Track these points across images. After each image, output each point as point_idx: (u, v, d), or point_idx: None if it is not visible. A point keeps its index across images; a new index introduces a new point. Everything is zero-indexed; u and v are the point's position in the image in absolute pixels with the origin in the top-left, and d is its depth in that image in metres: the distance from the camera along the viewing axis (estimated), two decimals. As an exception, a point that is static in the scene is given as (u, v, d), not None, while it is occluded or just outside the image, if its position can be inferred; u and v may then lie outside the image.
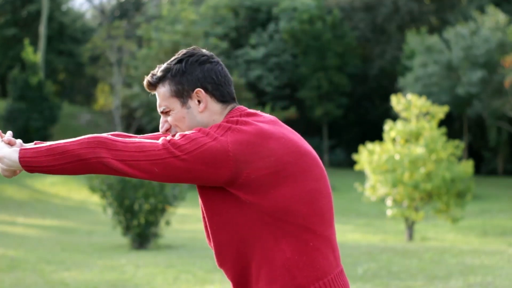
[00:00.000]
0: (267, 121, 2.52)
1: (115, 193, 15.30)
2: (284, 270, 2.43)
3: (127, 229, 15.47)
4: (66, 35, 50.27)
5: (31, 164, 2.43)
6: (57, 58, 49.51)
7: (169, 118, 2.56)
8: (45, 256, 13.37)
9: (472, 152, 43.77)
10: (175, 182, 2.45)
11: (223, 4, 47.81)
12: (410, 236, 18.43)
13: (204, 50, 2.59)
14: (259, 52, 45.82)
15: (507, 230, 21.13)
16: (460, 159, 31.02)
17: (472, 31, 38.22)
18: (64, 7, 51.94)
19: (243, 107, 2.57)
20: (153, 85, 2.57)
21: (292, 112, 43.60)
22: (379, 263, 11.55)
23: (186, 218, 24.14)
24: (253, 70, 45.42)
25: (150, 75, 2.58)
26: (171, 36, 41.68)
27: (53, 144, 2.44)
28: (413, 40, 41.18)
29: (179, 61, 2.55)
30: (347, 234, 19.86)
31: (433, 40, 39.97)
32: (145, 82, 2.59)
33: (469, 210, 24.91)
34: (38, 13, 48.00)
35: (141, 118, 45.42)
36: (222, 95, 2.55)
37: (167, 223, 15.76)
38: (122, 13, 56.98)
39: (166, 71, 2.55)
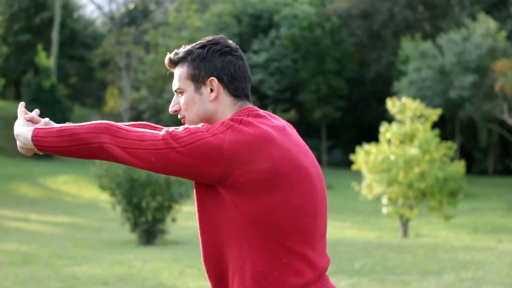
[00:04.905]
0: (273, 125, 2.41)
1: (123, 191, 15.18)
2: (253, 282, 2.34)
3: (135, 226, 15.42)
4: (77, 41, 50.13)
5: (41, 144, 2.39)
6: (69, 63, 49.35)
7: (181, 100, 2.49)
8: (57, 251, 13.43)
9: (464, 153, 43.53)
10: (171, 175, 2.36)
11: (227, 12, 47.47)
12: (405, 233, 18.18)
13: (230, 42, 2.51)
14: (261, 57, 45.48)
15: (497, 227, 20.87)
16: (452, 159, 29.96)
17: (464, 37, 38.00)
18: (75, 15, 51.66)
19: (254, 107, 2.48)
20: (173, 63, 2.51)
21: (292, 114, 43.26)
22: (375, 259, 11.51)
23: (191, 216, 21.60)
24: (255, 74, 44.89)
25: (173, 53, 2.53)
26: (177, 42, 41.29)
27: (64, 126, 2.40)
28: (408, 46, 40.80)
29: (202, 46, 2.47)
30: (344, 231, 19.63)
31: (427, 46, 39.58)
32: (166, 59, 2.53)
33: (461, 208, 24.64)
34: (50, 20, 47.89)
35: (149, 120, 44.51)
36: (235, 89, 2.46)
37: (173, 220, 15.60)
38: (130, 20, 56.84)
39: (188, 53, 2.48)
